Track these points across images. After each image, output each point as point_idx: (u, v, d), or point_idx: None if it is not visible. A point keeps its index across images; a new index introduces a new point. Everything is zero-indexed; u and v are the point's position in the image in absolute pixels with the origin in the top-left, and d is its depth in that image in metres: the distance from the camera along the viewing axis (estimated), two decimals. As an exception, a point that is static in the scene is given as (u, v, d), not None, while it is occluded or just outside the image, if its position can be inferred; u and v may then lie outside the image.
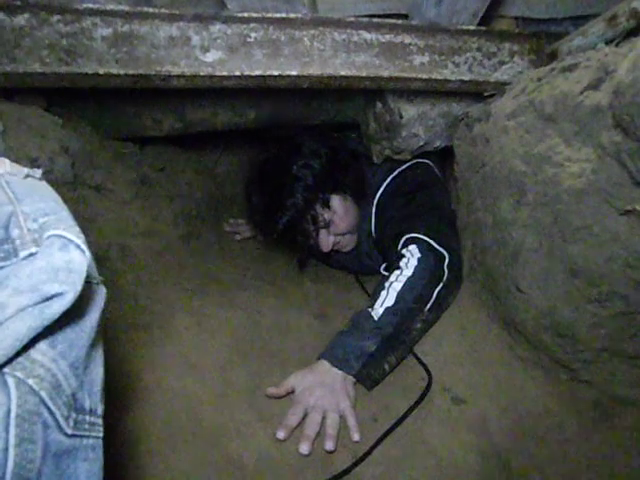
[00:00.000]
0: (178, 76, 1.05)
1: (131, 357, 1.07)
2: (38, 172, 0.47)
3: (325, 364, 1.13)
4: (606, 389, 1.02)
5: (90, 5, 1.00)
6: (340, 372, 1.11)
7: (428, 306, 1.22)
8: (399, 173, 1.56)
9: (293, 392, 1.10)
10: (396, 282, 1.24)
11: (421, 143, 1.42)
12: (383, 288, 1.24)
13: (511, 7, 1.29)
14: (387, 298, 1.21)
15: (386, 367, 1.14)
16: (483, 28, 1.17)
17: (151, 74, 1.04)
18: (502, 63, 1.18)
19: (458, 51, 1.16)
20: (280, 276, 1.71)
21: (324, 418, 1.04)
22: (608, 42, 0.93)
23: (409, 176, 1.56)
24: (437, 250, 1.29)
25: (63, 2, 1.00)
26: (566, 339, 0.99)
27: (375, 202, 1.58)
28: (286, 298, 1.48)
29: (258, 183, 1.58)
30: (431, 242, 1.30)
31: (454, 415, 1.07)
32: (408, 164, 1.56)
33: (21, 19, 0.98)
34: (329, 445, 0.98)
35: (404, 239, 1.35)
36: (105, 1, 1.06)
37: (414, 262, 1.26)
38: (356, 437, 1.01)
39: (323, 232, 1.55)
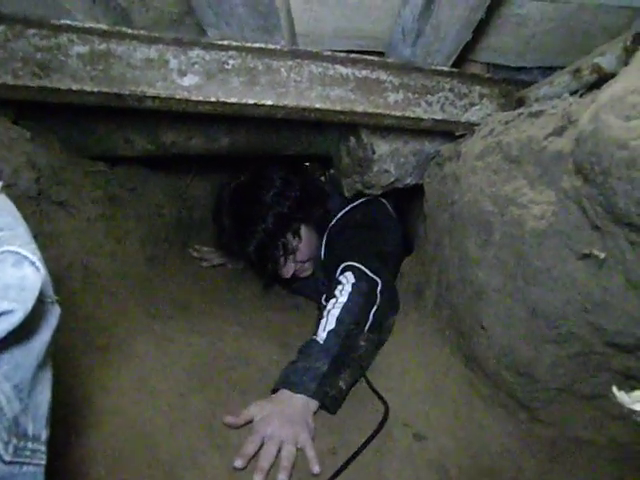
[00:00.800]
0: (153, 97, 1.05)
1: (85, 380, 1.04)
2: (-4, 185, 0.46)
3: (283, 393, 1.13)
4: (563, 429, 1.03)
5: (68, 22, 1.00)
6: (300, 398, 1.11)
7: (367, 326, 1.29)
8: (352, 207, 1.66)
9: (252, 421, 1.09)
10: (333, 309, 1.31)
11: (392, 179, 1.44)
12: (323, 316, 1.31)
13: (483, 53, 1.34)
14: (327, 323, 1.27)
15: (342, 385, 1.16)
16: (456, 70, 1.21)
17: (125, 93, 1.03)
18: (472, 104, 1.22)
19: (431, 90, 1.20)
20: (244, 304, 1.69)
21: (280, 450, 1.02)
22: (572, 93, 0.97)
23: (360, 211, 1.66)
24: (369, 276, 1.39)
25: (40, 16, 0.99)
26: (526, 378, 1.00)
27: (327, 232, 1.69)
28: (249, 326, 1.47)
29: (230, 208, 1.65)
30: (364, 269, 1.40)
31: (414, 451, 1.06)
32: (363, 199, 1.66)
33: (-5, 30, 0.97)
34: (281, 477, 0.96)
35: (342, 267, 1.45)
36: (83, 18, 1.06)
37: (348, 288, 1.35)
38: (316, 469, 0.99)
39: (289, 259, 1.64)
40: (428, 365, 1.23)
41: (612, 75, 0.82)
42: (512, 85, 1.23)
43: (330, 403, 1.13)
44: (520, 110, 1.06)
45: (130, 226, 1.53)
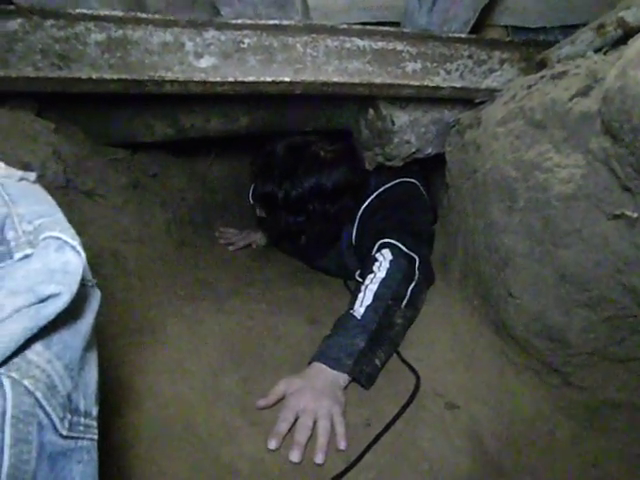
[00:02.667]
0: (171, 81, 1.06)
1: (123, 363, 1.06)
2: (32, 175, 0.47)
3: (317, 367, 1.13)
4: (597, 393, 1.03)
5: (84, 10, 1.00)
6: (332, 373, 1.11)
7: (404, 302, 1.28)
8: (384, 190, 1.63)
9: (283, 398, 1.09)
10: (371, 284, 1.31)
11: (413, 150, 1.43)
12: (360, 291, 1.30)
13: (501, 16, 1.31)
14: (365, 298, 1.27)
15: (377, 362, 1.16)
16: (474, 36, 1.19)
17: (144, 79, 1.04)
18: (492, 71, 1.20)
19: (450, 58, 1.18)
20: (271, 282, 1.70)
21: (315, 423, 1.02)
22: (597, 50, 0.94)
23: (393, 193, 1.63)
24: (407, 253, 1.38)
25: (56, 7, 1.00)
26: (557, 343, 1.00)
27: (359, 215, 1.65)
28: (278, 304, 1.48)
29: (286, 153, 1.61)
30: (401, 247, 1.39)
31: (447, 420, 1.07)
32: (394, 182, 1.63)
33: (14, 23, 0.98)
34: (319, 458, 0.96)
35: (378, 244, 1.43)
36: (99, 6, 1.06)
37: (386, 265, 1.34)
38: (342, 445, 0.99)
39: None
40: (457, 335, 1.24)
41: (639, 29, 0.80)
42: (533, 47, 1.20)
43: (366, 380, 1.13)
44: (542, 73, 1.03)
45: (155, 211, 1.56)
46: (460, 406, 1.10)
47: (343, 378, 1.12)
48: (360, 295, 1.29)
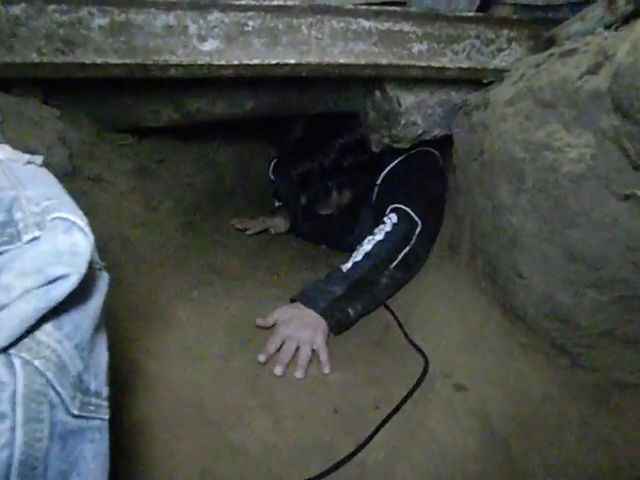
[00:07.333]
0: (176, 65, 1.05)
1: (132, 347, 1.08)
2: (39, 159, 0.47)
3: (298, 305, 1.27)
4: (606, 373, 1.03)
5: (86, -6, 0.99)
6: (312, 312, 1.23)
7: (394, 264, 1.36)
8: (406, 157, 1.67)
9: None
10: (367, 245, 1.39)
11: (420, 131, 1.41)
12: (356, 250, 1.40)
13: (509, -7, 1.28)
14: (356, 256, 1.37)
15: (350, 312, 1.26)
16: (481, 15, 1.17)
17: (149, 63, 1.03)
18: (500, 50, 1.18)
19: (457, 39, 1.16)
20: (281, 267, 1.71)
21: (298, 348, 1.16)
22: (607, 27, 0.92)
23: (413, 160, 1.67)
24: (412, 218, 1.44)
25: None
26: (566, 324, 1.00)
27: (381, 178, 1.71)
28: (286, 287, 1.48)
29: (306, 129, 1.68)
30: (408, 210, 1.45)
31: (455, 401, 1.08)
32: (416, 150, 1.66)
33: (17, 9, 0.97)
34: (299, 373, 1.11)
35: (389, 209, 1.49)
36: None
37: (387, 228, 1.41)
38: (326, 370, 1.14)
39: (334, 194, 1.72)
40: (465, 317, 1.23)
41: (651, 4, 0.78)
42: (541, 25, 1.18)
43: (335, 325, 1.24)
44: (551, 51, 1.01)
45: (162, 197, 1.56)
46: (468, 387, 1.10)
47: (323, 322, 1.23)
48: (354, 254, 1.38)
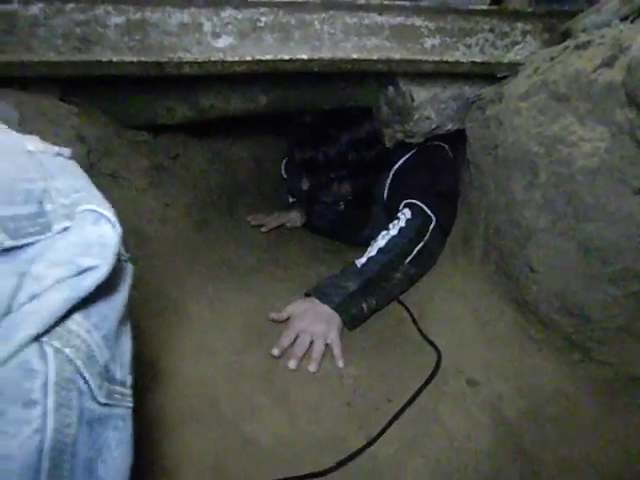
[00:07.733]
0: (191, 63, 1.06)
1: (148, 343, 1.09)
2: (67, 151, 0.48)
3: (312, 300, 1.28)
4: (620, 369, 1.02)
5: (102, -8, 1.01)
6: (326, 307, 1.24)
7: (408, 259, 1.37)
8: (418, 151, 1.68)
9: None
10: (381, 240, 1.40)
11: (433, 126, 1.41)
12: (370, 245, 1.42)
13: (523, -14, 1.27)
14: (371, 251, 1.39)
15: (364, 307, 1.27)
16: (495, 8, 1.16)
17: (164, 61, 1.04)
18: (515, 43, 1.18)
19: (470, 32, 1.16)
20: (294, 261, 1.72)
21: (312, 342, 1.17)
22: (623, 19, 0.92)
23: (424, 155, 1.68)
24: (426, 213, 1.46)
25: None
26: (579, 319, 1.00)
27: (392, 173, 1.71)
28: (300, 282, 1.49)
29: (315, 118, 1.70)
30: (422, 206, 1.46)
31: (468, 396, 1.08)
32: (427, 144, 1.65)
33: (35, 8, 0.98)
34: (312, 367, 1.12)
35: (403, 204, 1.50)
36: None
37: (402, 224, 1.43)
38: (340, 364, 1.15)
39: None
40: (478, 312, 1.23)
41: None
42: (556, 18, 1.17)
43: (349, 320, 1.24)
44: (566, 43, 1.01)
45: (177, 193, 1.57)
46: (481, 382, 1.10)
47: (337, 317, 1.23)
48: (369, 249, 1.40)
